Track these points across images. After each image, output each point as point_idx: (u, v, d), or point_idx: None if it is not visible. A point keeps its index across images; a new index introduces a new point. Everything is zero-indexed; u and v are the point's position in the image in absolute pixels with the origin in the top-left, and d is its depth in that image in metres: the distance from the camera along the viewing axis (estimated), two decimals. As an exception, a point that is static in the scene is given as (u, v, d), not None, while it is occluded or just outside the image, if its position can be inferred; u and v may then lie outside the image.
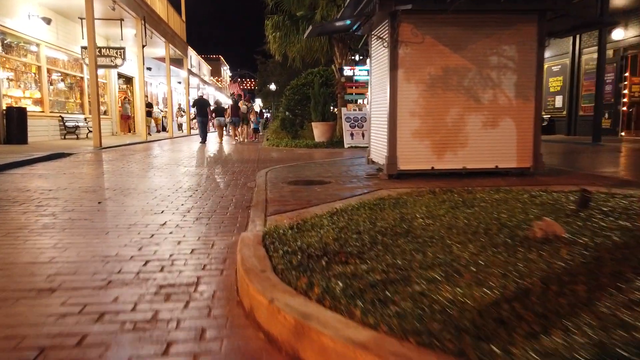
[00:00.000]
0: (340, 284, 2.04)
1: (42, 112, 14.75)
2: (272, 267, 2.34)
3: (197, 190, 5.66)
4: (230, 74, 67.13)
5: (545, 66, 13.64)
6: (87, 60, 14.62)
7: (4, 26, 12.69)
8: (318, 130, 14.36)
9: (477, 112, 6.09)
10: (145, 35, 16.57)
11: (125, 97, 22.32)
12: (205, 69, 43.97)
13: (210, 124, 18.15)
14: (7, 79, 13.40)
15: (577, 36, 16.61)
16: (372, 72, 7.14)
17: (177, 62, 24.65)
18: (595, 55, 15.05)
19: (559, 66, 17.67)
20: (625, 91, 15.02)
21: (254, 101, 31.27)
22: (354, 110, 13.77)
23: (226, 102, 27.34)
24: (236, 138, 19.11)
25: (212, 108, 17.66)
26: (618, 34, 14.68)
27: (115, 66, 17.17)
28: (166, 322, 2.03)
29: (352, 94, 14.55)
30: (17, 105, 13.09)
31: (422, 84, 6.00)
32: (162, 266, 2.78)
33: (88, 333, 1.94)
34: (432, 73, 5.99)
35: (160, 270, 2.72)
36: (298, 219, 3.65)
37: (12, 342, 1.87)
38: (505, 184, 5.41)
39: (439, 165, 6.11)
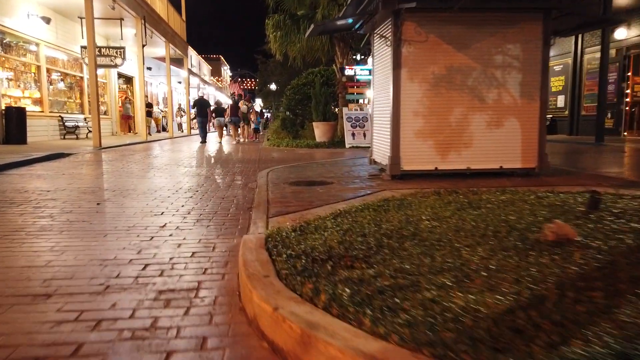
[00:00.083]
0: (348, 290, 1.96)
1: (42, 112, 14.67)
2: (275, 272, 2.26)
3: (197, 191, 5.58)
4: (231, 74, 67.05)
5: (548, 66, 13.55)
6: (86, 60, 14.54)
7: (3, 25, 12.61)
8: (319, 130, 14.28)
9: (482, 112, 6.00)
10: (145, 35, 16.49)
11: (126, 97, 22.23)
12: (206, 68, 43.88)
13: (210, 124, 18.08)
14: (7, 78, 13.32)
15: (580, 36, 16.53)
16: (375, 71, 7.05)
17: (178, 61, 24.57)
18: (597, 55, 14.98)
19: (561, 66, 17.58)
20: (628, 91, 14.93)
21: (254, 101, 31.21)
22: (356, 110, 13.69)
23: (227, 102, 27.25)
24: (237, 138, 19.03)
25: (212, 108, 17.59)
26: (621, 33, 14.60)
27: (115, 66, 17.09)
28: (166, 330, 1.95)
29: (353, 93, 14.47)
30: (16, 105, 13.01)
31: (425, 83, 5.92)
32: (162, 270, 2.70)
33: (84, 342, 1.86)
34: (436, 72, 5.91)
35: (160, 274, 2.63)
36: (301, 220, 3.57)
37: (4, 352, 1.78)
38: (511, 184, 5.33)
39: (442, 166, 6.02)
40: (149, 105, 21.84)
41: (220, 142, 16.83)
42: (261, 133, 22.54)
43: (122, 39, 17.82)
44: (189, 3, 26.22)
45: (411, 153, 5.97)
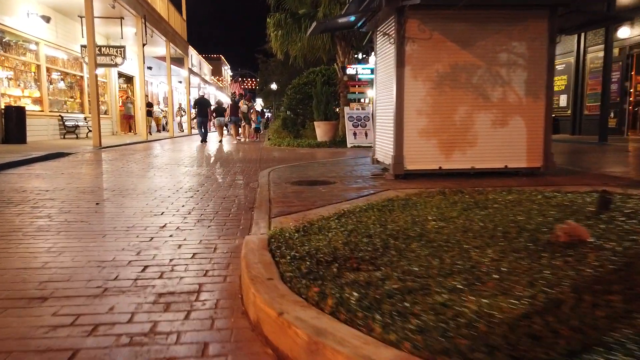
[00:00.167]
0: (355, 294, 1.88)
1: (42, 111, 14.60)
2: (279, 275, 2.18)
3: (198, 191, 5.50)
4: (231, 74, 66.99)
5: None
6: (86, 59, 14.46)
7: (2, 24, 12.54)
8: (320, 130, 14.20)
9: (486, 111, 5.92)
10: (146, 34, 16.41)
11: (127, 97, 22.14)
12: (206, 68, 43.82)
13: (211, 123, 18.01)
14: (6, 77, 13.25)
15: (582, 34, 16.43)
16: (378, 69, 6.97)
17: (178, 61, 24.49)
18: (600, 54, 14.89)
19: (564, 65, 17.48)
20: (631, 90, 14.83)
21: (254, 100, 31.10)
22: (357, 109, 13.60)
23: (227, 101, 27.18)
24: (238, 137, 18.95)
25: (212, 108, 17.53)
26: (624, 32, 14.50)
27: (115, 65, 17.02)
28: (165, 336, 1.87)
29: (354, 92, 14.39)
30: (16, 105, 12.93)
31: (429, 81, 5.84)
32: (162, 272, 2.62)
33: (80, 348, 1.78)
34: (440, 70, 5.83)
35: (160, 276, 2.55)
36: (304, 221, 3.49)
37: (-4, 359, 1.71)
38: (516, 184, 5.25)
39: (446, 165, 5.94)
40: (149, 105, 21.76)
41: (221, 142, 16.76)
42: (262, 132, 22.46)
43: (122, 38, 17.75)
44: (189, 3, 26.17)
45: (415, 152, 5.89)
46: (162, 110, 26.77)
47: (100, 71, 17.55)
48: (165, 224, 3.80)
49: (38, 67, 14.55)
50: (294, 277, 2.12)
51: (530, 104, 5.94)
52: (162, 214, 4.19)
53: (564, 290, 1.98)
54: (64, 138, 15.55)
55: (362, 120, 13.22)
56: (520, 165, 6.02)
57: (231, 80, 65.78)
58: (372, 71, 14.40)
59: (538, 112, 5.97)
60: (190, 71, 26.76)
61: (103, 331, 1.91)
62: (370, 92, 18.20)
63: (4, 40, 12.95)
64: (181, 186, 5.84)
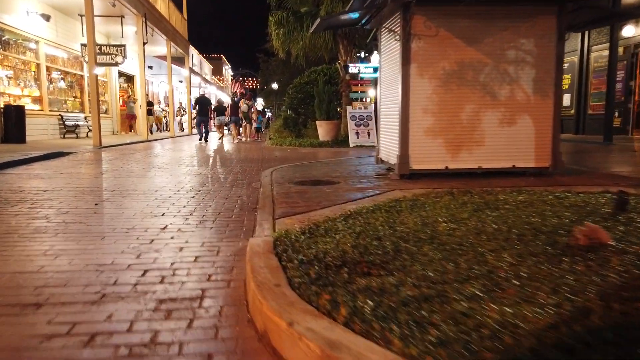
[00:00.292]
0: (370, 303, 1.76)
1: (41, 110, 14.49)
2: (287, 280, 2.06)
3: (199, 191, 5.39)
4: (232, 74, 66.87)
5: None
6: (87, 58, 14.34)
7: (2, 23, 12.43)
8: (322, 129, 14.08)
9: (494, 109, 5.80)
10: (146, 33, 16.29)
11: (129, 96, 22.01)
12: (207, 68, 43.70)
13: (212, 122, 17.91)
14: (6, 76, 13.14)
15: (586, 33, 16.30)
16: (382, 67, 6.85)
17: (179, 60, 24.36)
18: (604, 53, 14.76)
19: (567, 64, 17.33)
20: (636, 89, 14.69)
21: (255, 100, 30.94)
22: (359, 108, 13.48)
23: (228, 101, 27.06)
24: (239, 137, 18.84)
25: (213, 107, 17.44)
26: (629, 31, 14.36)
27: (116, 64, 16.90)
28: (167, 346, 1.75)
29: (357, 92, 14.26)
30: (15, 104, 12.82)
31: (435, 79, 5.72)
32: (163, 277, 2.50)
33: (76, 360, 1.66)
34: (447, 68, 5.70)
35: (161, 281, 2.44)
36: (309, 222, 3.38)
37: (-15, 372, 1.59)
38: (525, 184, 5.13)
39: (453, 165, 5.82)
40: (149, 104, 21.64)
41: (222, 141, 16.65)
42: (263, 132, 22.34)
43: (122, 36, 17.63)
44: (189, 2, 26.05)
45: (420, 152, 5.77)
46: (163, 110, 26.65)
47: (100, 70, 17.43)
48: (166, 225, 3.68)
49: (38, 66, 14.44)
50: (303, 283, 2.01)
51: (538, 102, 5.82)
52: (163, 215, 4.08)
53: (590, 298, 1.86)
54: (64, 137, 15.44)
55: (365, 120, 13.10)
56: (528, 165, 5.90)
57: (232, 80, 65.66)
58: (375, 70, 14.28)
59: (546, 111, 5.84)
60: (191, 70, 26.65)
61: (100, 341, 1.79)
62: (371, 92, 18.09)
63: (3, 38, 12.84)
64: (182, 186, 5.73)
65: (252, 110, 19.18)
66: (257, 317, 1.90)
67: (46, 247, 3.06)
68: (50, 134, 14.89)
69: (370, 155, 9.51)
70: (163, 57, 22.60)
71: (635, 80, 14.64)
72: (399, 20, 5.74)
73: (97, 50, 14.73)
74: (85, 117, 16.85)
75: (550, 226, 2.99)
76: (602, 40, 15.52)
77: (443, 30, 5.65)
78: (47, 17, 14.20)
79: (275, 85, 43.40)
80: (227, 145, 14.82)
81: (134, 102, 21.13)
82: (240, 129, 18.93)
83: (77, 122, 16.06)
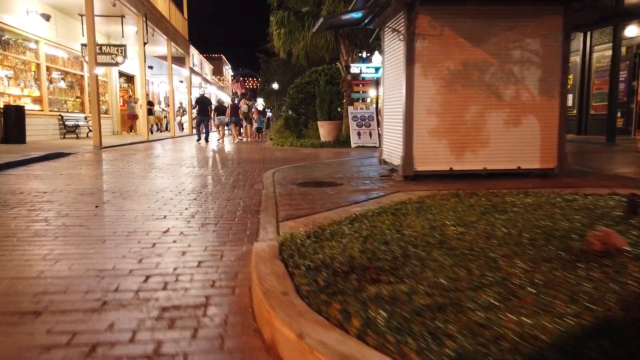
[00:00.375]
0: (383, 313, 1.69)
1: (41, 110, 14.41)
2: (294, 288, 1.99)
3: (201, 193, 5.31)
4: (232, 74, 66.80)
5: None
6: (87, 58, 14.27)
7: (2, 22, 12.35)
8: (324, 130, 14.00)
9: (499, 110, 5.72)
10: (147, 33, 16.22)
11: (131, 96, 21.91)
12: (207, 68, 43.64)
13: (212, 122, 17.85)
14: (6, 76, 13.07)
15: (588, 33, 16.22)
16: (385, 67, 6.78)
17: (179, 60, 24.28)
18: (606, 53, 14.68)
19: (569, 64, 17.27)
20: (639, 89, 14.61)
21: (255, 100, 30.86)
22: (361, 108, 13.41)
23: (228, 101, 26.99)
24: (239, 137, 18.77)
25: (214, 107, 17.38)
26: (631, 31, 14.28)
27: (116, 64, 16.82)
28: (171, 358, 1.68)
29: (359, 92, 14.19)
30: (15, 104, 12.74)
31: (440, 79, 5.65)
32: (165, 283, 2.43)
33: (76, 373, 1.59)
34: (451, 68, 5.63)
35: (163, 287, 2.37)
36: (314, 225, 3.31)
37: (-18, 386, 1.52)
38: (531, 186, 5.06)
39: (458, 166, 5.75)
40: (150, 104, 21.56)
41: (222, 142, 16.60)
42: (264, 132, 22.27)
43: (123, 36, 17.54)
44: (189, 2, 25.98)
45: (425, 153, 5.70)
46: (163, 110, 26.56)
47: (100, 70, 17.35)
48: (168, 228, 3.61)
49: (38, 66, 14.37)
50: (312, 291, 1.94)
51: (544, 103, 5.75)
52: (164, 217, 4.00)
53: (610, 307, 1.79)
54: (64, 138, 15.36)
55: (367, 120, 13.02)
56: (533, 166, 5.83)
57: (232, 80, 65.59)
58: (377, 70, 14.22)
59: (552, 111, 5.77)
60: (192, 70, 26.57)
61: (102, 352, 1.73)
62: (372, 92, 18.01)
63: (3, 38, 12.77)
64: (184, 188, 5.66)
65: (253, 110, 19.10)
66: (264, 327, 1.83)
67: (45, 252, 2.99)
68: (50, 134, 14.82)
69: (372, 156, 9.44)
70: (163, 57, 22.52)
71: (637, 81, 14.56)
72: (403, 20, 5.67)
73: (98, 50, 14.65)
74: (86, 117, 16.78)
75: (562, 230, 2.92)
76: (604, 40, 15.45)
77: (448, 30, 5.58)
78: (47, 17, 14.13)
79: (275, 85, 43.32)
80: (228, 146, 14.76)
81: (136, 102, 21.01)
82: (241, 129, 18.86)
83: (77, 123, 15.99)
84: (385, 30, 6.53)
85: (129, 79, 23.18)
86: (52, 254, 2.93)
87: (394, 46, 6.21)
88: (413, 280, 2.10)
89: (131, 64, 20.57)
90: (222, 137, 17.81)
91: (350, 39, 14.23)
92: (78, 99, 17.46)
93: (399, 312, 1.73)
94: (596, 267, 2.23)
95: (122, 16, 15.96)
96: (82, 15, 14.60)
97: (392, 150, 6.39)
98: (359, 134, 12.98)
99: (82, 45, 16.02)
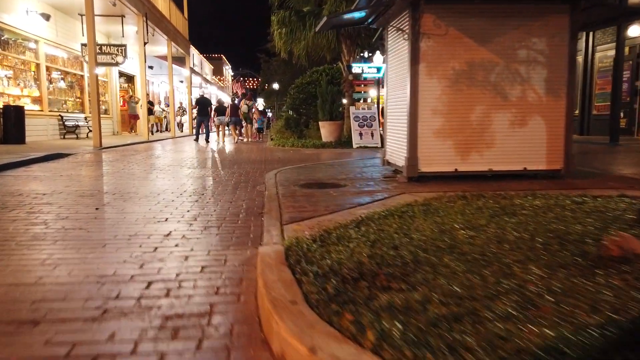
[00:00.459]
0: (397, 324, 1.61)
1: (41, 110, 14.33)
2: (303, 297, 1.91)
3: (203, 194, 5.24)
4: (232, 74, 66.70)
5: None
6: (87, 58, 14.19)
7: (1, 22, 12.27)
8: (325, 130, 13.91)
9: (504, 110, 5.65)
10: (147, 33, 16.14)
11: (132, 96, 21.81)
12: (207, 68, 43.55)
13: (212, 123, 17.78)
14: (5, 76, 12.99)
15: (591, 33, 16.14)
16: (389, 67, 6.70)
17: (179, 60, 24.20)
18: (609, 53, 14.60)
19: (572, 64, 17.17)
20: (642, 89, 14.52)
21: (255, 100, 30.78)
22: (363, 109, 13.33)
23: (228, 101, 26.90)
24: (240, 138, 18.69)
25: (214, 107, 17.32)
26: (634, 31, 14.18)
27: (116, 64, 16.73)
28: (175, 372, 1.61)
29: (360, 92, 14.11)
30: (15, 104, 12.66)
31: (445, 79, 5.57)
32: (168, 289, 2.35)
33: (75, 388, 1.51)
34: (456, 67, 5.56)
35: (166, 294, 2.29)
36: (319, 229, 3.23)
37: (-24, 403, 1.44)
38: (538, 187, 4.98)
39: (463, 167, 5.67)
40: (150, 104, 21.46)
41: (223, 142, 16.53)
42: (264, 133, 22.19)
43: (123, 36, 17.45)
44: (190, 2, 25.90)
45: (429, 154, 5.62)
46: (163, 110, 26.47)
47: (100, 70, 17.27)
48: (170, 231, 3.53)
49: (37, 65, 14.28)
50: (321, 300, 1.86)
51: (550, 103, 5.67)
52: (166, 220, 3.92)
53: (634, 318, 1.71)
54: (64, 138, 15.28)
55: (368, 120, 12.94)
56: (539, 167, 5.75)
57: (232, 80, 65.50)
58: (378, 70, 14.13)
59: (559, 112, 5.69)
60: (192, 70, 26.50)
61: (102, 365, 1.65)
62: (372, 92, 17.91)
63: (2, 38, 12.68)
64: (185, 189, 5.58)
65: (254, 110, 19.01)
66: (272, 339, 1.74)
67: (44, 256, 2.91)
68: (50, 134, 14.73)
69: (375, 157, 9.37)
70: (164, 57, 22.44)
71: (641, 81, 14.47)
72: (407, 19, 5.60)
73: (98, 50, 14.57)
74: (86, 118, 16.70)
75: (575, 234, 2.84)
76: (607, 40, 15.36)
77: (453, 29, 5.51)
78: (47, 17, 14.05)
79: (276, 86, 43.22)
80: (229, 146, 14.68)
81: (137, 102, 20.89)
82: (242, 129, 18.78)
83: (77, 123, 15.91)
84: (389, 29, 6.46)
85: (129, 79, 23.10)
86: (51, 259, 2.85)
87: (397, 46, 6.14)
88: (426, 288, 2.02)
89: (131, 64, 20.49)
90: (223, 138, 17.73)
91: (351, 38, 14.14)
92: (78, 99, 17.39)
93: (414, 323, 1.65)
94: (615, 274, 2.15)
95: (122, 16, 15.88)
96: (82, 15, 14.52)
97: (396, 151, 6.32)
98: (360, 134, 12.90)
99: (82, 45, 15.94)
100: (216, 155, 11.21)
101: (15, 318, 2.04)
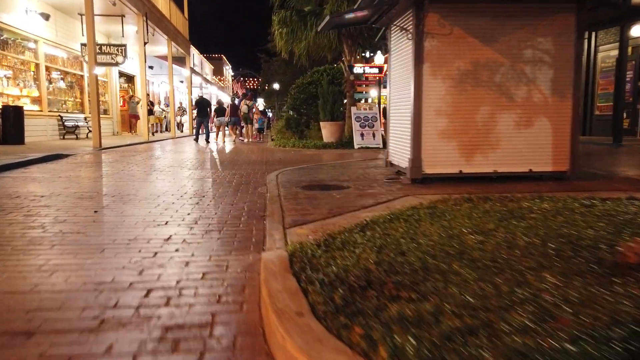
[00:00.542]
0: (411, 340, 1.52)
1: (40, 111, 14.25)
2: (310, 308, 1.83)
3: (204, 197, 5.15)
4: (232, 74, 66.62)
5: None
6: (87, 58, 14.11)
7: (0, 22, 12.19)
8: (326, 130, 13.83)
9: (510, 111, 5.56)
10: (147, 32, 16.06)
11: (132, 96, 21.72)
12: (208, 68, 43.47)
13: (212, 124, 17.73)
14: (5, 76, 12.91)
15: (593, 33, 16.05)
16: (392, 67, 6.61)
17: (180, 60, 24.12)
18: (611, 53, 14.50)
19: (574, 64, 17.07)
20: (645, 90, 14.43)
21: (256, 100, 30.69)
22: (364, 109, 13.24)
23: (228, 101, 26.82)
24: (240, 138, 18.62)
25: (214, 108, 17.26)
26: (637, 31, 14.09)
27: (116, 64, 16.65)
28: (175, 388, 1.52)
29: (362, 92, 14.03)
30: (14, 104, 12.58)
31: (449, 79, 5.49)
32: (168, 297, 2.27)
33: (70, 406, 1.43)
34: (461, 67, 5.47)
35: (166, 303, 2.20)
36: (323, 233, 3.15)
37: None
38: (545, 189, 4.89)
39: (467, 169, 5.58)
40: (150, 104, 21.38)
41: (223, 143, 16.45)
42: (264, 133, 22.11)
43: (123, 36, 17.37)
44: (190, 2, 25.81)
45: (433, 155, 5.54)
46: (163, 110, 26.38)
47: (100, 70, 17.19)
48: (170, 235, 3.45)
49: (37, 65, 14.20)
50: (329, 311, 1.77)
51: (556, 104, 5.59)
52: (166, 223, 3.84)
53: (659, 330, 1.62)
54: (64, 138, 15.20)
55: (370, 121, 12.86)
56: (545, 169, 5.66)
57: (233, 80, 65.42)
58: (380, 70, 14.05)
59: (565, 112, 5.61)
60: (192, 70, 26.42)
61: (99, 381, 1.56)
62: (373, 92, 17.82)
63: (1, 38, 12.61)
64: (185, 191, 5.50)
65: (254, 110, 18.93)
66: (278, 353, 1.66)
67: (41, 262, 2.83)
68: (50, 135, 14.65)
69: (377, 158, 9.29)
70: (164, 57, 22.37)
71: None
72: (411, 18, 5.51)
73: (97, 50, 14.50)
74: (85, 118, 16.62)
75: (588, 239, 2.76)
76: (609, 40, 15.27)
77: (457, 29, 5.42)
78: (46, 16, 13.96)
79: (276, 86, 43.14)
80: (229, 147, 14.60)
81: (137, 102, 20.79)
82: (243, 130, 18.71)
83: (76, 123, 15.83)
84: (392, 29, 6.37)
85: (129, 79, 23.02)
86: (48, 265, 2.77)
87: (401, 45, 6.05)
88: (437, 298, 1.93)
89: (131, 64, 20.42)
90: (223, 138, 17.65)
91: (353, 38, 14.06)
92: (78, 100, 17.30)
93: (428, 337, 1.56)
94: (633, 283, 2.07)
95: (122, 15, 15.80)
96: (81, 15, 14.44)
97: (399, 152, 6.23)
98: (362, 134, 12.81)
99: (82, 44, 15.86)
100: (216, 156, 11.12)
101: (8, 329, 1.95)
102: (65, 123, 15.22)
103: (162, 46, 20.85)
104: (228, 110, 17.75)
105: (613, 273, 2.19)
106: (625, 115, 14.58)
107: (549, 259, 2.44)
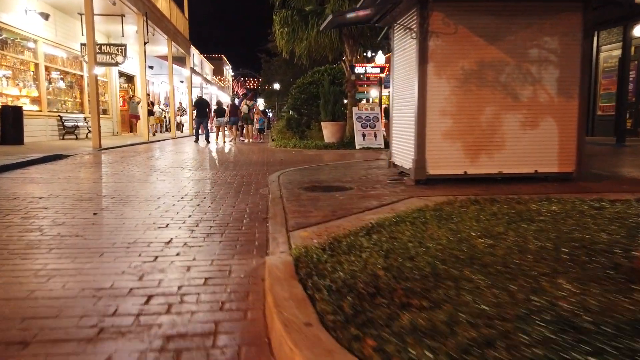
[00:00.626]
0: (428, 354, 1.44)
1: (40, 111, 14.17)
2: (318, 317, 1.75)
3: (205, 198, 5.07)
4: (233, 74, 66.53)
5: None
6: (86, 58, 14.02)
7: (0, 21, 12.11)
8: (328, 131, 13.74)
9: (515, 111, 5.49)
10: (147, 32, 15.97)
11: (132, 96, 21.63)
12: (208, 68, 43.39)
13: (212, 125, 17.65)
14: (4, 76, 12.82)
15: (596, 33, 15.97)
16: (395, 66, 6.53)
17: (180, 60, 24.04)
18: (614, 53, 14.43)
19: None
20: (647, 90, 14.35)
21: (256, 100, 30.60)
22: (366, 109, 13.16)
23: (228, 101, 26.74)
24: (241, 138, 18.54)
25: (214, 108, 17.19)
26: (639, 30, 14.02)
27: (116, 64, 16.57)
28: (177, 404, 1.44)
29: (363, 92, 13.95)
30: (13, 104, 12.50)
31: (454, 79, 5.41)
32: (169, 304, 2.19)
33: None
34: (466, 67, 5.40)
35: (167, 310, 2.12)
36: (328, 236, 3.07)
37: None
38: (551, 191, 4.81)
39: (472, 170, 5.50)
40: (150, 104, 21.30)
41: (223, 143, 16.37)
42: (265, 133, 22.03)
43: (123, 36, 17.28)
44: (190, 2, 25.74)
45: (438, 156, 5.46)
46: (163, 110, 26.30)
47: (100, 70, 17.11)
48: (171, 238, 3.37)
49: (37, 65, 14.12)
50: (338, 321, 1.69)
51: (562, 104, 5.51)
52: (166, 226, 3.76)
53: (686, 342, 1.54)
54: (63, 139, 15.11)
55: (371, 121, 12.77)
56: (551, 170, 5.58)
57: (233, 80, 65.34)
58: (382, 70, 13.97)
59: (571, 113, 5.53)
60: (192, 70, 26.34)
61: (97, 396, 1.48)
62: (374, 92, 17.73)
63: (1, 37, 12.52)
64: (186, 192, 5.42)
65: (254, 110, 18.85)
66: (285, 366, 1.58)
67: (38, 266, 2.74)
68: (49, 135, 14.57)
69: (379, 158, 9.21)
70: (164, 57, 22.29)
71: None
72: (415, 17, 5.43)
73: (97, 50, 14.42)
74: (85, 118, 16.53)
75: (602, 243, 2.68)
76: (612, 40, 15.20)
77: (462, 28, 5.35)
78: (46, 16, 13.88)
79: (277, 86, 43.06)
80: (230, 147, 14.52)
81: (138, 103, 20.69)
82: (243, 130, 18.63)
83: (76, 123, 15.74)
84: (396, 28, 6.30)
85: (129, 79, 22.94)
86: (45, 270, 2.69)
87: (405, 45, 5.97)
88: (450, 306, 1.85)
89: (131, 64, 20.33)
90: (223, 139, 17.57)
91: (354, 38, 13.97)
92: (77, 100, 17.22)
93: (444, 349, 1.48)
94: (653, 290, 1.99)
95: (122, 15, 15.71)
96: (81, 14, 14.35)
97: (403, 152, 6.15)
98: (363, 135, 12.73)
99: (82, 44, 15.77)
100: (217, 156, 11.04)
101: (3, 338, 1.87)
102: (65, 123, 15.13)
103: (162, 46, 20.77)
104: (227, 110, 17.67)
105: (630, 279, 2.11)
106: (628, 115, 14.50)
107: (563, 264, 2.36)
